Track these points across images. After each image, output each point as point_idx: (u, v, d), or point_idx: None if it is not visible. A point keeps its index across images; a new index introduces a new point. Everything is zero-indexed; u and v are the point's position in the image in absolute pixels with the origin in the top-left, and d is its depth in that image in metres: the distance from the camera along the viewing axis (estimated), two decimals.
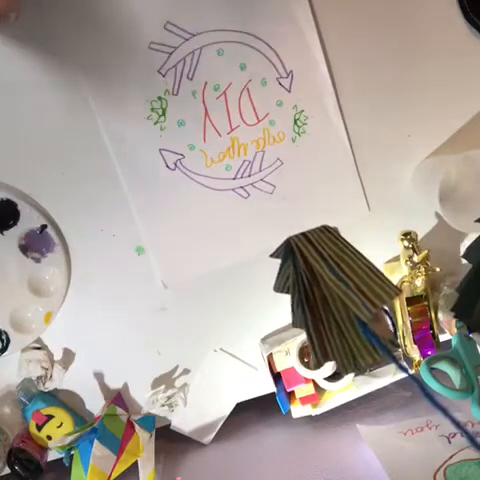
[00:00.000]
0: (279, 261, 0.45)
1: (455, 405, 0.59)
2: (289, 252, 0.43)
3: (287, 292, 0.43)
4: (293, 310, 0.42)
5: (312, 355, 0.41)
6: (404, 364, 0.71)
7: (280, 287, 0.45)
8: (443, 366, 0.58)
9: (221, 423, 0.76)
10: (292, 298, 0.42)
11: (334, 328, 0.41)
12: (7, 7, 0.51)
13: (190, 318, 0.71)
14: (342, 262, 0.40)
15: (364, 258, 0.41)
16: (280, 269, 0.45)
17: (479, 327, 0.60)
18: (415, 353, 0.69)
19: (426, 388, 0.33)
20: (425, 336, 0.68)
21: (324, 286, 0.41)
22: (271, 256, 0.44)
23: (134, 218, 0.67)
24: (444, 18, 0.66)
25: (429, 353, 0.68)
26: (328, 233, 0.43)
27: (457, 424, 0.32)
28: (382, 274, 0.39)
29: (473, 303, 0.56)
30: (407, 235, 0.66)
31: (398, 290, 0.38)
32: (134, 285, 0.69)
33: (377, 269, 0.40)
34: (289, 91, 0.66)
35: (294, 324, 0.43)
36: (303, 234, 0.43)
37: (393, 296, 0.37)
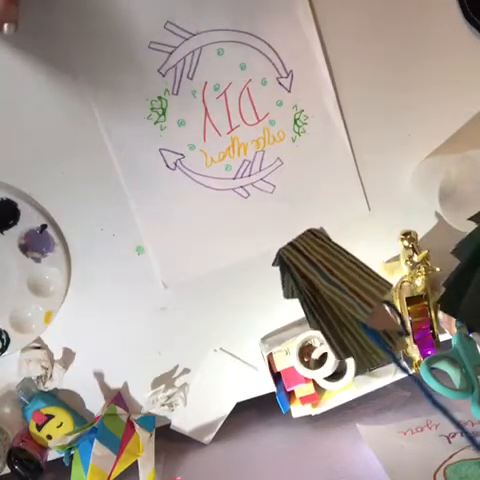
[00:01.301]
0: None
1: (455, 405, 0.59)
2: (284, 265, 0.43)
3: (297, 298, 0.44)
4: (306, 315, 0.43)
5: (333, 354, 0.42)
6: (404, 364, 0.71)
7: (289, 295, 0.45)
8: (443, 366, 0.58)
9: (221, 423, 0.76)
10: (302, 306, 0.43)
11: (345, 329, 0.42)
12: (1, 18, 0.48)
13: (190, 318, 0.71)
14: (331, 265, 0.40)
15: (351, 256, 0.41)
16: (282, 279, 0.45)
17: (466, 320, 0.60)
18: (415, 353, 0.69)
19: (426, 388, 0.33)
20: (425, 336, 0.68)
21: (323, 293, 0.41)
22: (273, 265, 0.45)
23: (134, 218, 0.67)
24: (444, 17, 0.66)
25: (429, 353, 0.68)
26: (314, 236, 0.44)
27: (457, 424, 0.32)
28: (370, 270, 0.40)
29: (459, 297, 0.57)
30: (407, 235, 0.66)
31: (388, 284, 0.39)
32: (134, 285, 0.69)
33: (365, 265, 0.41)
34: (289, 91, 0.66)
35: (312, 327, 0.43)
36: (290, 244, 0.44)
37: (384, 291, 0.38)
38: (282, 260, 0.43)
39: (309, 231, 0.44)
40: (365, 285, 0.38)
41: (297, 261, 0.41)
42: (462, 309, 0.56)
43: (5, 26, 0.49)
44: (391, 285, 0.39)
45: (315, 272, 0.40)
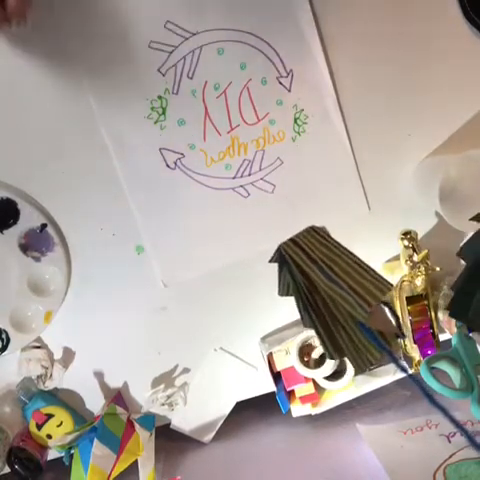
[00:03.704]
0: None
1: (455, 404, 0.59)
2: (283, 260, 0.43)
3: (292, 295, 0.44)
4: (300, 313, 0.43)
5: (325, 354, 0.42)
6: (403, 363, 0.71)
7: (284, 292, 0.45)
8: (443, 365, 0.58)
9: (221, 422, 0.76)
10: (297, 303, 0.43)
11: (340, 328, 0.41)
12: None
13: (190, 318, 0.71)
14: (332, 263, 0.40)
15: (353, 255, 0.41)
16: (279, 275, 0.45)
17: (475, 325, 0.60)
18: (415, 352, 0.69)
19: (425, 388, 0.33)
20: (425, 335, 0.68)
21: (322, 290, 0.41)
22: (270, 261, 0.45)
23: (134, 217, 0.67)
24: (444, 17, 0.66)
25: (429, 352, 0.68)
26: (315, 234, 0.43)
27: (456, 424, 0.32)
28: (372, 270, 0.40)
29: (468, 302, 0.57)
30: (407, 234, 0.66)
31: (389, 285, 0.38)
32: (134, 285, 0.69)
33: (367, 265, 0.40)
34: (289, 90, 0.66)
35: (304, 325, 0.43)
36: (291, 240, 0.43)
37: (385, 291, 0.38)
38: (281, 255, 0.43)
39: (310, 228, 0.44)
40: (366, 284, 0.38)
41: (297, 257, 0.41)
42: (471, 317, 0.56)
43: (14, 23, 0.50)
44: (392, 286, 0.39)
45: (315, 269, 0.40)
